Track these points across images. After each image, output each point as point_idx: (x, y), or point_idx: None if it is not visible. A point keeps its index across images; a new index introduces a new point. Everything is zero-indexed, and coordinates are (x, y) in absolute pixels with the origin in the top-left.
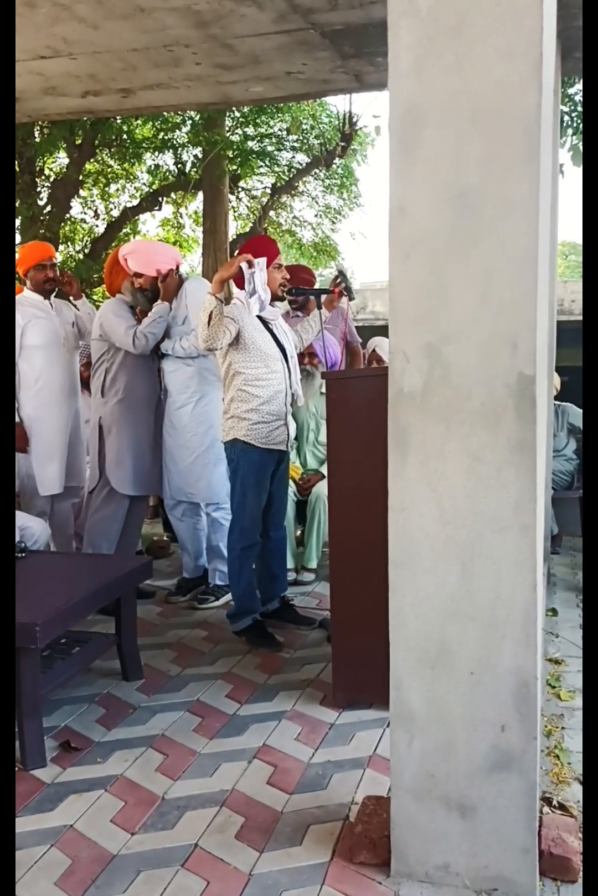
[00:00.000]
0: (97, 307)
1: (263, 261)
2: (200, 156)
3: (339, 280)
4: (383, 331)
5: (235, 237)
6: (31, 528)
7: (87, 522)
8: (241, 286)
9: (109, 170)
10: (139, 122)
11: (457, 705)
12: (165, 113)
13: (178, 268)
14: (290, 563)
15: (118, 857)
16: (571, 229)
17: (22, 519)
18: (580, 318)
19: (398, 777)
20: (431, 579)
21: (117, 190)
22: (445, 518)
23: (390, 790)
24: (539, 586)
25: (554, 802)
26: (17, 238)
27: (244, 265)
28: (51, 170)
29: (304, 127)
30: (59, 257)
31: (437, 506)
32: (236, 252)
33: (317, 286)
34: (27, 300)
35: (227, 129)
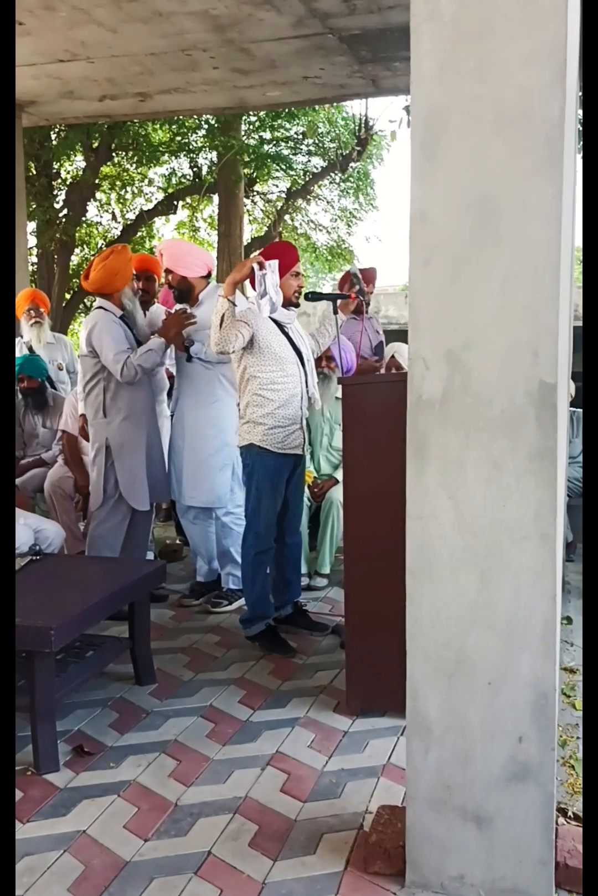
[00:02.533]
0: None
1: (275, 263)
2: (215, 159)
3: (354, 283)
4: (395, 335)
5: (249, 241)
6: (45, 530)
7: (90, 532)
8: (253, 286)
9: (125, 173)
10: (156, 125)
11: (475, 715)
12: (181, 117)
13: (209, 274)
14: (303, 569)
15: (131, 863)
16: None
17: (37, 522)
18: None
19: (414, 787)
20: (449, 588)
21: (133, 193)
22: (464, 526)
23: (404, 799)
24: (558, 596)
25: (570, 813)
26: (33, 241)
27: (255, 266)
28: (68, 173)
29: (320, 130)
30: (74, 260)
31: (456, 514)
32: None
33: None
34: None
35: (242, 132)
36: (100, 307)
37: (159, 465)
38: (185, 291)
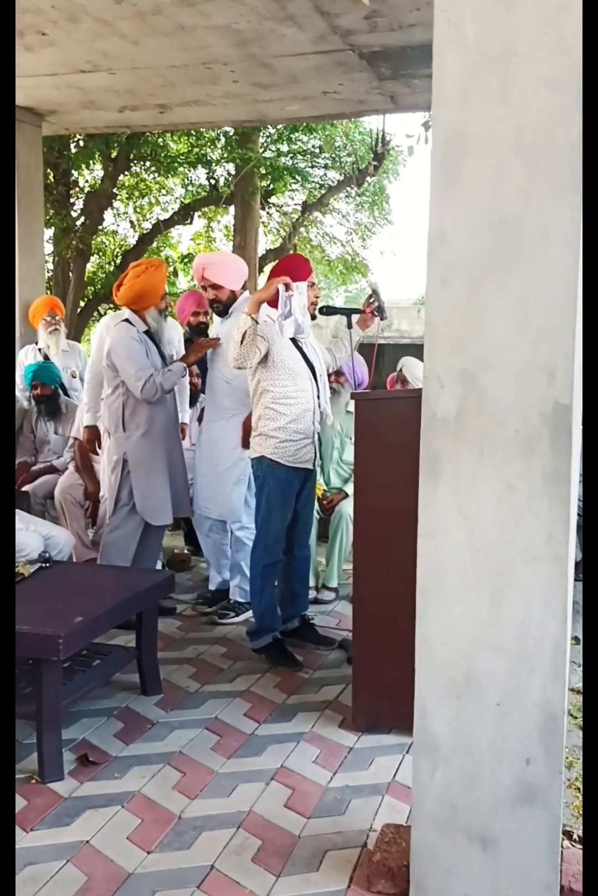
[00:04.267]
0: None
1: (303, 285)
2: (233, 171)
3: (372, 299)
4: (408, 349)
5: (264, 252)
6: (55, 537)
7: (103, 539)
8: (275, 306)
9: (143, 183)
10: (174, 136)
11: (483, 736)
12: (200, 129)
13: (244, 287)
14: (310, 582)
15: (134, 875)
16: None
17: (47, 528)
18: None
19: (420, 806)
20: (459, 607)
21: (150, 203)
22: (475, 546)
23: (409, 818)
24: (569, 618)
25: (575, 836)
26: (49, 248)
27: (281, 287)
28: (86, 182)
29: (337, 144)
30: (89, 268)
31: (468, 533)
32: (268, 270)
33: (346, 303)
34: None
35: (260, 145)
36: (126, 320)
37: (182, 479)
38: (230, 304)
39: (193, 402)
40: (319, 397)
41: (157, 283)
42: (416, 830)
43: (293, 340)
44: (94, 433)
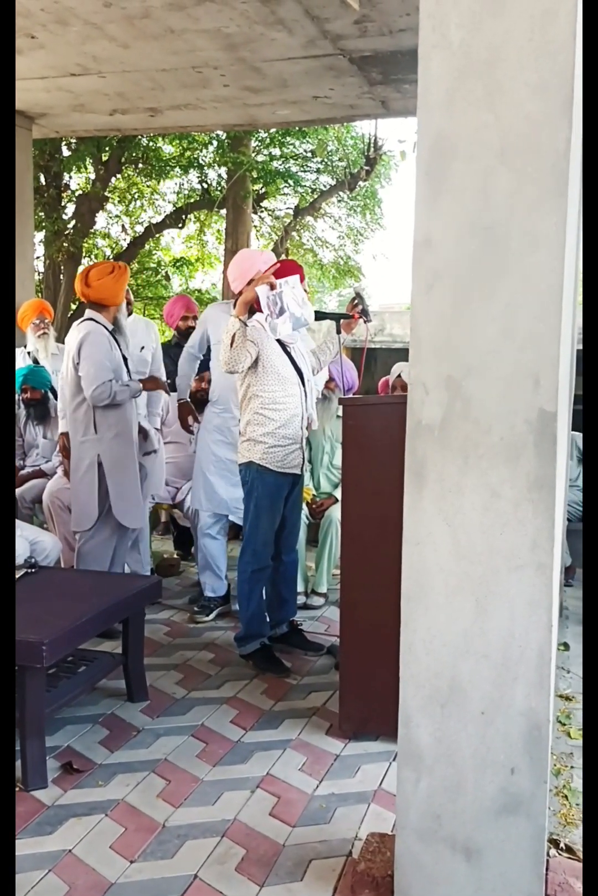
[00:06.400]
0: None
1: (295, 279)
2: (224, 175)
3: (356, 303)
4: (400, 354)
5: None
6: (42, 542)
7: (79, 548)
8: (260, 309)
9: (135, 187)
10: (166, 140)
11: (466, 746)
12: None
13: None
14: (300, 587)
15: (116, 885)
16: None
17: (34, 533)
18: None
19: (404, 816)
20: (444, 615)
21: (142, 206)
22: (460, 553)
23: (394, 827)
24: (554, 626)
25: (561, 845)
26: (41, 250)
27: (261, 290)
28: (78, 185)
29: (329, 149)
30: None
31: (452, 540)
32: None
33: (339, 308)
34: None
35: (252, 148)
36: (90, 319)
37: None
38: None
39: (201, 409)
40: (306, 402)
41: (125, 282)
42: (400, 840)
43: (282, 345)
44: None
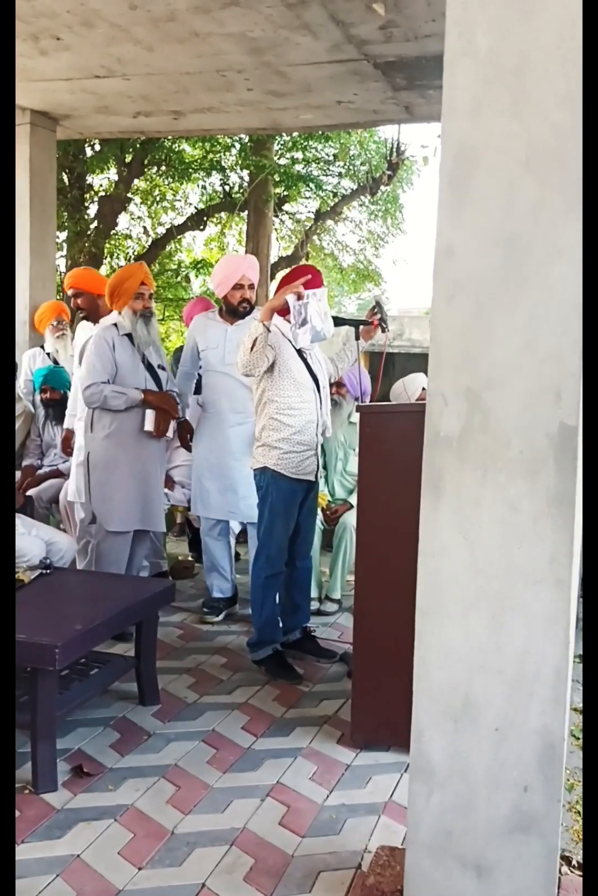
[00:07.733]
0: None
1: (323, 291)
2: (247, 178)
3: (376, 311)
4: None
5: (276, 260)
6: (58, 543)
7: (96, 548)
8: (285, 316)
9: (157, 189)
10: (189, 142)
11: (479, 762)
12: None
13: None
14: (313, 593)
15: (124, 892)
16: None
17: (50, 534)
18: None
19: (414, 831)
20: (459, 630)
21: (164, 207)
22: (476, 567)
23: (404, 840)
24: (571, 643)
25: (574, 862)
26: (63, 250)
27: (290, 298)
28: (101, 186)
29: (351, 153)
30: (102, 271)
31: (469, 554)
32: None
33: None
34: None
35: (274, 152)
36: (114, 324)
37: (140, 487)
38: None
39: None
40: (321, 409)
41: (126, 278)
42: (410, 856)
43: (299, 351)
44: (69, 433)
